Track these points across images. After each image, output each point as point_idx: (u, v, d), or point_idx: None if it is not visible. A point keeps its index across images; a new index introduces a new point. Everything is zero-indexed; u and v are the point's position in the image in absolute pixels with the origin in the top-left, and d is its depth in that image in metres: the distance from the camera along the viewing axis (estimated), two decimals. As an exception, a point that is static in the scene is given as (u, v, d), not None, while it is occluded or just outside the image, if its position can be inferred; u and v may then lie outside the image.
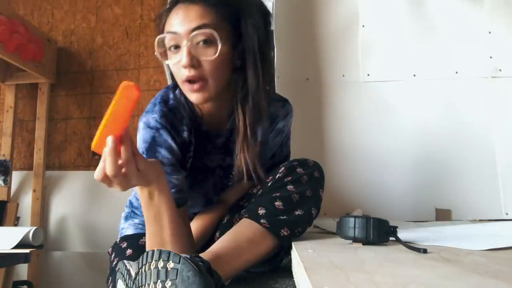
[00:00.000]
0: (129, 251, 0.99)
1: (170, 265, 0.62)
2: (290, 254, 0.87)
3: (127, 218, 1.10)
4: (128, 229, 1.08)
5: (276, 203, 0.87)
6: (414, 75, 1.68)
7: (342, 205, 1.58)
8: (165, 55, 0.91)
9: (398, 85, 1.69)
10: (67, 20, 2.61)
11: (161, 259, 0.63)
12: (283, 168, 0.95)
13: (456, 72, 1.67)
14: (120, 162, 0.73)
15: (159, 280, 0.63)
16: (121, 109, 0.72)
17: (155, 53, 0.90)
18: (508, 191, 1.57)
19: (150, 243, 0.85)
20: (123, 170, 0.73)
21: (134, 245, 1.01)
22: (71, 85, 2.53)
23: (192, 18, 0.86)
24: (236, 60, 0.91)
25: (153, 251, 0.65)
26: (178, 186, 0.92)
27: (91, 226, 2.31)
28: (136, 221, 1.08)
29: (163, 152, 0.91)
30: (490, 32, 1.67)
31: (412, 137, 1.64)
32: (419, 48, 1.69)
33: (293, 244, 0.83)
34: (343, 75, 1.71)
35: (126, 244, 1.02)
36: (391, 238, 0.80)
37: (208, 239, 1.02)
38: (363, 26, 1.73)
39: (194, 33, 0.85)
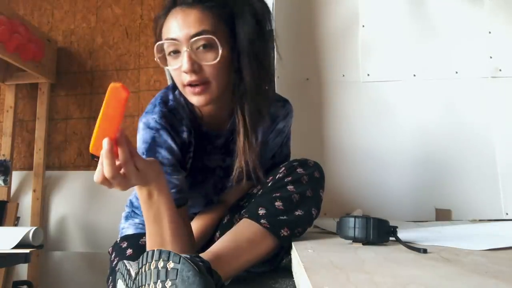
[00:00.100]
0: (129, 251, 1.00)
1: (170, 265, 0.62)
2: (290, 254, 0.87)
3: (127, 217, 1.10)
4: (128, 228, 1.08)
5: (276, 203, 0.87)
6: (414, 75, 1.69)
7: (342, 205, 1.58)
8: (164, 60, 0.91)
9: (398, 85, 1.69)
10: (67, 20, 2.61)
11: (161, 259, 0.63)
12: (283, 168, 0.95)
13: (456, 72, 1.67)
14: (118, 163, 0.73)
15: (159, 280, 0.63)
16: (111, 110, 0.72)
17: (155, 59, 0.90)
18: (508, 191, 1.57)
19: (150, 243, 0.85)
20: (122, 170, 0.74)
21: (135, 245, 1.01)
22: (71, 85, 2.54)
23: (191, 23, 0.85)
24: (235, 61, 0.91)
25: (153, 251, 0.65)
26: (178, 186, 0.92)
27: (91, 226, 2.31)
28: (137, 221, 1.08)
29: (163, 153, 0.91)
30: (490, 32, 1.67)
31: (412, 137, 1.64)
32: (419, 48, 1.69)
33: (293, 244, 0.83)
34: (343, 75, 1.71)
35: (126, 244, 1.03)
36: (391, 238, 0.80)
37: (208, 239, 1.02)
38: (363, 26, 1.73)
39: (194, 39, 0.85)
